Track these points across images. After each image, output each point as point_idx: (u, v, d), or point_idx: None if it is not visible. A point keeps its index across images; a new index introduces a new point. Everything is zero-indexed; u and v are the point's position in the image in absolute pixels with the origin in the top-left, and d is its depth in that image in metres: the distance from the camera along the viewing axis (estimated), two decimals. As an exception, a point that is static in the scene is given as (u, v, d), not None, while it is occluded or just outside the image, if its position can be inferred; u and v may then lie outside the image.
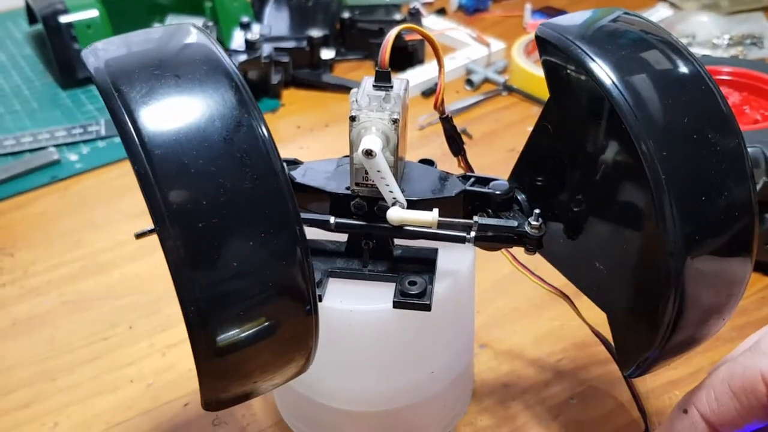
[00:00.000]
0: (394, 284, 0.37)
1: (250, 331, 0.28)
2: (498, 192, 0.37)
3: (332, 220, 0.37)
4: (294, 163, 0.41)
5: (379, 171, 0.35)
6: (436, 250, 0.39)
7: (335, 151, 0.41)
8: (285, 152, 0.40)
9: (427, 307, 0.36)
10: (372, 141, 0.35)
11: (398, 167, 0.37)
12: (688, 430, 0.31)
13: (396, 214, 0.36)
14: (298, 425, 0.44)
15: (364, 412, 0.41)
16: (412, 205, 0.37)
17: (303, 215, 0.36)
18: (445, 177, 0.39)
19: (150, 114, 0.27)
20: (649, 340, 0.32)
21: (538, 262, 0.38)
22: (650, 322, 0.31)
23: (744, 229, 0.31)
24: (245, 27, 0.78)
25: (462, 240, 0.37)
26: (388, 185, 0.36)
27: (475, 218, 0.36)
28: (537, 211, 0.36)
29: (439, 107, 0.40)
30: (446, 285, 0.38)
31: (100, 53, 0.29)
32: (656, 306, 0.31)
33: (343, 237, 0.39)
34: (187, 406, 0.46)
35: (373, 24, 0.83)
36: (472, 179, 0.38)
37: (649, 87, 0.30)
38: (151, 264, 0.56)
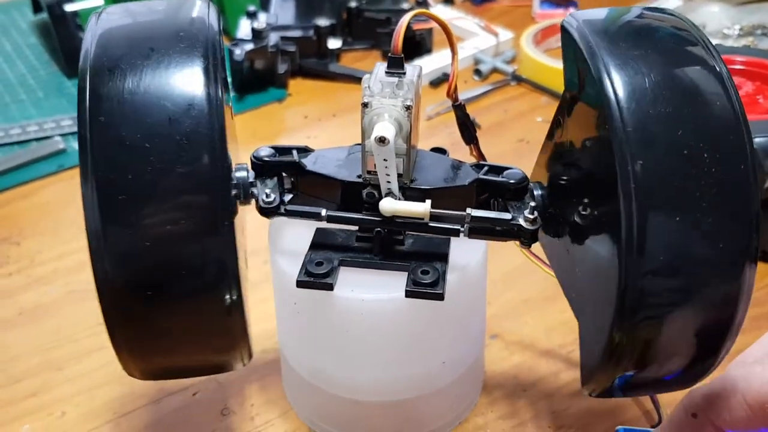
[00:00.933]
0: (405, 274, 0.37)
1: (164, 306, 0.29)
2: (512, 181, 0.36)
3: (323, 212, 0.36)
4: (305, 150, 0.40)
5: (386, 159, 0.35)
6: (448, 240, 0.38)
7: (343, 141, 0.40)
8: (292, 142, 0.40)
9: (440, 297, 0.36)
10: (385, 128, 0.35)
11: (411, 155, 0.37)
12: None
13: (388, 205, 0.35)
14: (307, 416, 0.43)
15: (375, 402, 0.40)
16: (424, 194, 0.37)
17: (294, 208, 0.37)
18: (457, 165, 0.39)
19: (106, 82, 0.28)
20: (600, 366, 0.30)
21: (551, 251, 0.38)
22: (601, 346, 0.29)
23: (726, 276, 0.28)
24: (252, 16, 0.77)
25: (456, 233, 0.36)
26: (389, 175, 0.35)
27: (468, 210, 0.36)
28: (532, 204, 0.35)
29: (452, 94, 0.39)
30: (458, 275, 0.37)
31: (102, 19, 0.32)
32: (607, 332, 0.28)
33: (354, 226, 0.39)
34: (195, 396, 0.45)
35: (380, 13, 0.83)
36: (486, 168, 0.37)
37: (649, 91, 0.28)
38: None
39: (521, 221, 0.35)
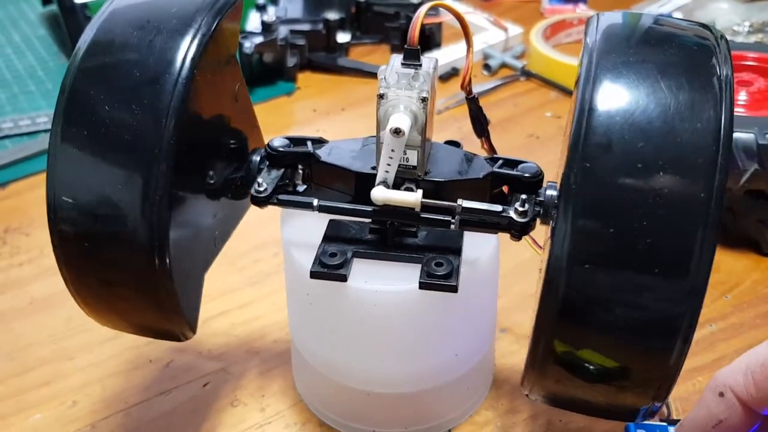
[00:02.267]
0: (419, 266, 0.37)
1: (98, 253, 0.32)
2: (527, 175, 0.36)
3: (315, 202, 0.37)
4: (319, 141, 0.40)
5: (393, 150, 0.35)
6: (461, 234, 0.38)
7: (352, 135, 0.40)
8: (301, 135, 0.40)
9: (454, 289, 0.36)
10: (401, 119, 0.35)
11: (425, 147, 0.37)
12: (725, 413, 0.31)
13: (380, 194, 0.35)
14: (318, 407, 0.43)
15: (387, 393, 0.40)
16: (438, 186, 0.37)
17: (286, 198, 0.38)
18: (471, 158, 0.39)
19: (95, 49, 0.32)
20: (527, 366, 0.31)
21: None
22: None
23: (666, 302, 0.27)
24: (261, 9, 0.77)
25: (447, 224, 0.36)
26: (389, 165, 0.35)
27: (459, 201, 0.35)
28: (523, 197, 0.35)
29: (467, 87, 0.39)
30: (471, 267, 0.37)
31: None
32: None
33: (367, 218, 0.39)
34: (206, 387, 0.46)
35: (389, 7, 0.83)
36: (501, 161, 0.37)
37: (627, 100, 0.28)
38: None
39: (512, 213, 0.35)
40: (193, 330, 0.36)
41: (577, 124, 0.28)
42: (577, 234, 0.27)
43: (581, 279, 0.28)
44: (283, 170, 0.39)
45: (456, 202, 0.35)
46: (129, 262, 0.32)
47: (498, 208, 0.35)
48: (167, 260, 0.31)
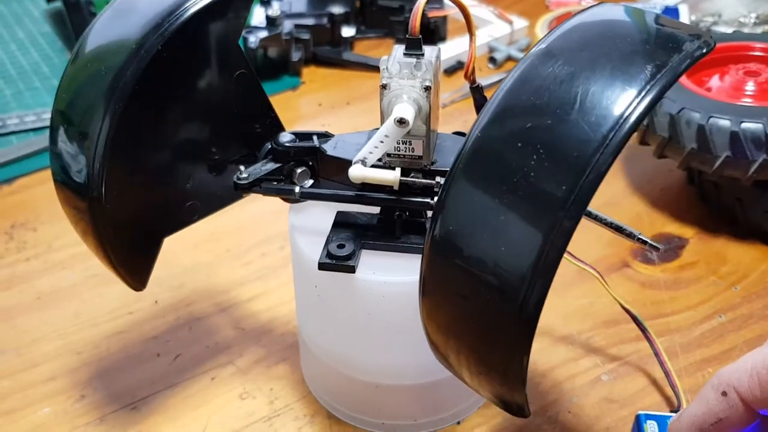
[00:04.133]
0: (427, 256, 0.37)
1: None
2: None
3: (297, 189, 0.38)
4: (325, 135, 0.40)
5: (387, 136, 0.35)
6: (469, 223, 0.38)
7: (357, 129, 0.40)
8: (307, 129, 0.40)
9: (461, 279, 0.35)
10: (404, 109, 0.34)
11: (431, 137, 0.36)
12: (726, 412, 0.31)
13: (357, 172, 0.35)
14: (326, 399, 0.43)
15: (396, 385, 0.40)
16: (444, 175, 0.37)
17: (270, 186, 0.39)
18: (478, 148, 0.38)
19: (102, 27, 0.37)
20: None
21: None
22: None
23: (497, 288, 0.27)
24: (266, 3, 0.77)
25: (427, 206, 0.36)
26: (376, 147, 0.35)
27: (438, 179, 0.35)
28: None
29: (470, 76, 0.39)
30: (480, 257, 0.37)
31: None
32: None
33: (375, 209, 0.38)
34: (214, 380, 0.45)
35: (394, 1, 0.82)
36: (507, 150, 0.37)
37: (538, 82, 0.28)
38: (175, 238, 0.56)
39: None
40: (139, 282, 0.39)
41: (491, 98, 0.29)
42: (449, 201, 0.28)
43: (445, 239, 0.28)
44: (279, 165, 0.39)
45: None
46: (77, 205, 0.36)
47: None
48: (101, 207, 0.35)
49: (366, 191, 0.37)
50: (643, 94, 0.27)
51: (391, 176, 0.35)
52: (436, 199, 0.29)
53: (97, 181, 0.35)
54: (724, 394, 0.31)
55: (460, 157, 0.28)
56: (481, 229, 0.27)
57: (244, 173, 0.39)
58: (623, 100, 0.27)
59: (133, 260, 0.39)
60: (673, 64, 0.28)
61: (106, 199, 0.35)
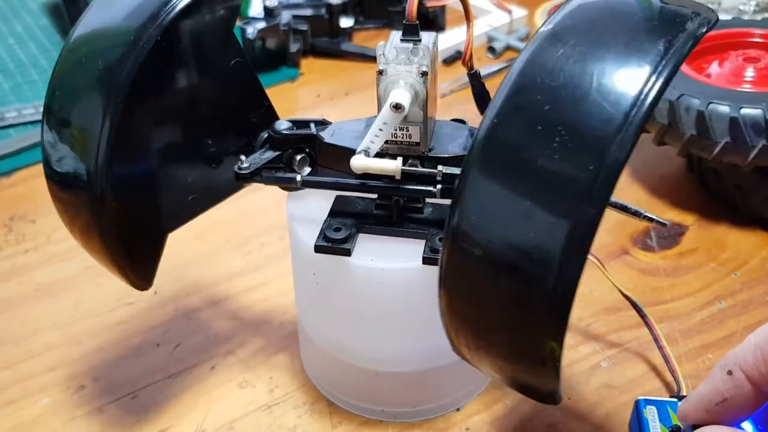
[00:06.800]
0: (424, 242, 0.36)
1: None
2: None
3: (299, 178, 0.37)
4: (322, 123, 0.40)
5: (386, 123, 0.34)
6: (467, 209, 0.38)
7: (356, 119, 0.40)
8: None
9: (459, 265, 0.35)
10: (401, 94, 0.34)
11: (428, 124, 0.36)
12: (731, 391, 0.31)
13: (359, 162, 0.35)
14: (326, 387, 0.43)
15: (395, 372, 0.40)
16: (442, 162, 0.37)
17: (269, 174, 0.39)
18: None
19: (95, 18, 0.36)
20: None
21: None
22: None
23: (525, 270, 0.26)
24: (264, -6, 0.77)
25: (430, 194, 0.36)
26: (377, 136, 0.35)
27: (440, 167, 0.35)
28: None
29: (468, 63, 0.39)
30: (478, 243, 0.37)
31: None
32: None
33: (373, 194, 0.38)
34: (213, 369, 0.45)
35: (392, -8, 0.82)
36: (505, 135, 0.37)
37: (551, 63, 0.27)
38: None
39: None
40: (145, 281, 0.38)
41: (501, 85, 0.28)
42: (468, 189, 0.28)
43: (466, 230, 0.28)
44: (278, 153, 0.39)
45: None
46: (79, 205, 0.35)
47: None
48: (106, 206, 0.34)
49: (367, 179, 0.37)
50: (659, 69, 0.26)
51: (393, 166, 0.35)
52: (455, 186, 0.28)
53: (101, 179, 0.34)
54: (730, 372, 0.31)
55: (476, 143, 0.28)
56: (506, 216, 0.27)
57: (245, 162, 0.38)
58: (640, 77, 0.26)
59: (139, 260, 0.37)
60: (684, 39, 0.28)
61: (111, 197, 0.34)
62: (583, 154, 0.26)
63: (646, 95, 0.26)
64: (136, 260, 0.37)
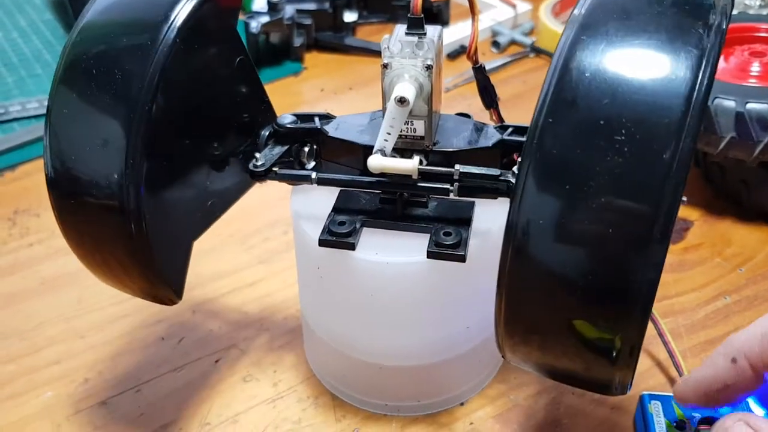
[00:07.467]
0: (429, 237, 0.36)
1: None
2: (537, 141, 0.36)
3: (314, 175, 0.37)
4: (327, 117, 0.40)
5: (395, 119, 0.34)
6: (472, 204, 0.38)
7: (360, 114, 0.40)
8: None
9: (461, 258, 0.35)
10: (405, 88, 0.34)
11: (433, 118, 0.36)
12: (735, 379, 0.31)
13: (377, 162, 0.35)
14: (330, 381, 0.43)
15: (399, 366, 0.40)
16: (448, 156, 0.37)
17: (284, 172, 0.38)
18: (481, 128, 0.38)
19: (102, 20, 0.34)
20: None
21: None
22: None
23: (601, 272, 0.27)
24: (267, -11, 0.77)
25: (446, 192, 0.36)
26: (389, 134, 0.35)
27: (457, 167, 0.35)
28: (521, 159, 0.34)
29: (473, 56, 0.39)
30: (482, 239, 0.37)
31: None
32: None
33: (368, 189, 0.38)
34: (217, 363, 0.45)
35: (396, -14, 0.82)
36: (510, 129, 0.37)
37: (598, 58, 0.27)
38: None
39: (510, 177, 0.34)
40: (178, 295, 0.36)
41: (546, 82, 0.28)
42: (533, 191, 0.27)
43: (537, 237, 0.27)
44: (287, 147, 0.39)
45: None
46: (107, 224, 0.33)
47: (496, 171, 0.34)
48: (142, 223, 0.32)
49: (381, 177, 0.36)
50: (705, 55, 0.27)
51: (410, 165, 0.35)
52: (514, 185, 0.28)
53: (133, 196, 0.31)
54: (734, 361, 0.31)
55: (529, 149, 0.27)
56: (578, 215, 0.27)
57: (260, 159, 0.37)
58: (689, 64, 0.26)
59: (172, 276, 0.35)
60: (718, 21, 0.28)
61: (144, 210, 0.32)
62: (653, 143, 0.26)
63: (703, 76, 0.26)
64: (170, 277, 0.35)
